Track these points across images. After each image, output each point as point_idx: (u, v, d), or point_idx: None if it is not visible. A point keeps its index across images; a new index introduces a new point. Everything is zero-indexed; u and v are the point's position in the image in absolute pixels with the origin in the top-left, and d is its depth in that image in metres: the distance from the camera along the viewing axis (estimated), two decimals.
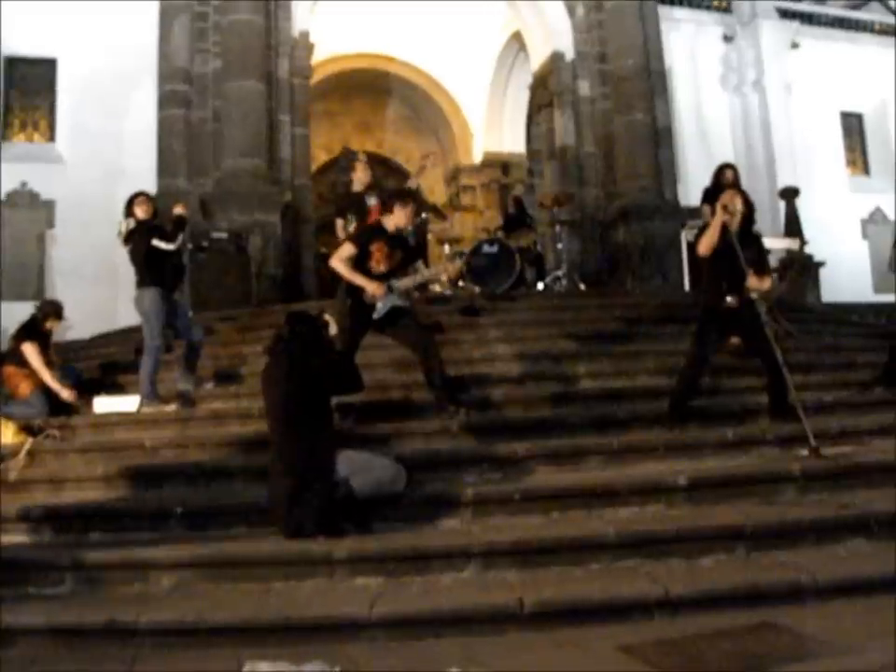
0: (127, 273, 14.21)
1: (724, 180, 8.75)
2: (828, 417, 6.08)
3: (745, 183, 15.87)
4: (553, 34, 13.00)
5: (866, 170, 16.41)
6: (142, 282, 7.16)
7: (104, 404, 6.95)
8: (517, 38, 14.40)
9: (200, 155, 11.41)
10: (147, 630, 4.03)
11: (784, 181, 14.99)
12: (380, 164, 15.88)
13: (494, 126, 15.10)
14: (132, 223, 7.23)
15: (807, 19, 15.78)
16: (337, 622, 4.00)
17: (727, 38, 15.85)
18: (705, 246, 5.96)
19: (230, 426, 6.53)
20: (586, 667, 3.50)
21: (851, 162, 16.35)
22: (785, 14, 15.71)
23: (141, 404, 6.83)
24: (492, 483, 5.30)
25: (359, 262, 6.15)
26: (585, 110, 12.42)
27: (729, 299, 5.85)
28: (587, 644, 3.74)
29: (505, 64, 14.80)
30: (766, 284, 5.93)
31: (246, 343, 8.15)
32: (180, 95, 11.49)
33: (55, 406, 7.16)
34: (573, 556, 4.47)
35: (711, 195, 8.74)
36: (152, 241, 7.06)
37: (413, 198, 6.76)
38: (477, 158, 15.44)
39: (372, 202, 8.15)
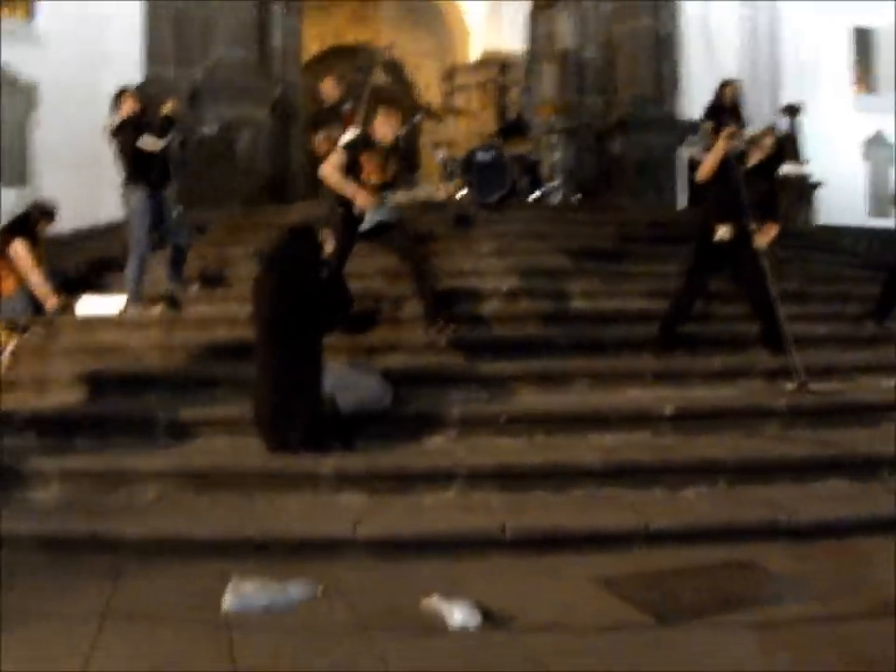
0: (111, 159, 13.98)
1: (725, 98, 8.54)
2: (818, 351, 6.07)
3: (749, 96, 15.59)
4: None
5: (873, 88, 16.03)
6: (128, 180, 6.96)
7: (88, 303, 6.84)
8: None
9: (189, 43, 10.95)
10: (131, 542, 4.07)
11: (788, 96, 14.65)
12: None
13: (493, 24, 14.56)
14: (118, 119, 6.98)
15: None
16: (321, 540, 4.04)
17: None
18: (703, 172, 5.87)
19: (216, 330, 6.44)
20: (565, 597, 3.55)
21: (858, 80, 15.96)
22: None
23: (126, 305, 6.73)
24: (478, 403, 5.30)
25: (351, 173, 5.99)
26: (589, 13, 11.95)
27: (722, 230, 5.77)
28: (566, 573, 3.80)
29: None
30: (772, 233, 5.82)
31: (234, 244, 8.00)
32: None
33: (39, 304, 7.04)
34: (557, 482, 4.51)
35: (713, 112, 8.56)
36: (139, 140, 6.82)
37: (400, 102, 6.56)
38: (474, 56, 14.97)
39: (346, 108, 8.09)
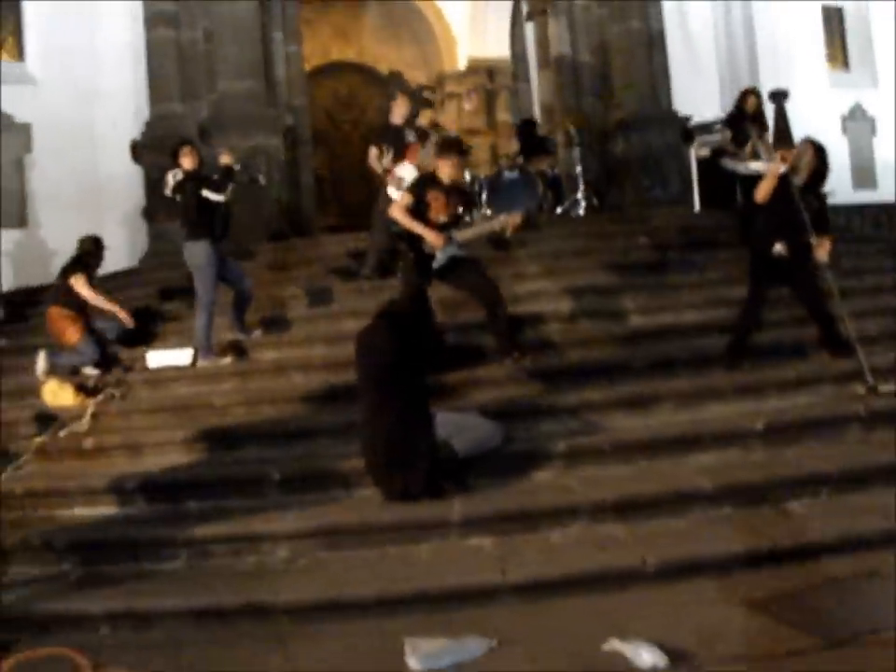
0: (111, 198, 13.92)
1: (747, 107, 8.76)
2: (874, 349, 6.30)
3: (728, 86, 15.89)
4: None
5: (846, 65, 16.41)
6: (192, 234, 7.01)
7: (156, 358, 6.93)
8: None
9: (193, 78, 11.02)
10: (284, 608, 4.19)
11: (766, 81, 14.96)
12: (359, 72, 15.53)
13: (478, 31, 14.69)
14: (179, 174, 7.05)
15: None
16: (472, 589, 4.21)
17: None
18: (762, 194, 6.10)
19: (292, 377, 6.60)
20: (726, 626, 3.74)
21: (832, 58, 16.33)
22: None
23: (196, 358, 6.83)
24: (576, 434, 5.47)
25: (419, 212, 6.17)
26: (580, 18, 12.15)
27: (778, 247, 6.02)
28: (714, 599, 4.00)
29: None
30: (828, 246, 6.08)
31: (280, 283, 8.10)
32: (168, 15, 10.99)
33: (104, 354, 7.14)
34: (673, 507, 4.72)
35: (733, 120, 8.79)
36: (202, 192, 6.90)
37: (458, 146, 6.71)
38: (461, 64, 15.11)
39: (411, 137, 8.23)
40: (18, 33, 13.53)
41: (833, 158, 15.91)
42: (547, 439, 5.38)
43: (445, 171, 6.26)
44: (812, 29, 15.92)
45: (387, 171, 8.03)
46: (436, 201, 6.17)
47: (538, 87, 13.18)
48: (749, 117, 8.67)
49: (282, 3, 11.29)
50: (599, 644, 3.60)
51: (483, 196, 9.75)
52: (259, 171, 9.30)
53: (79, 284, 7.34)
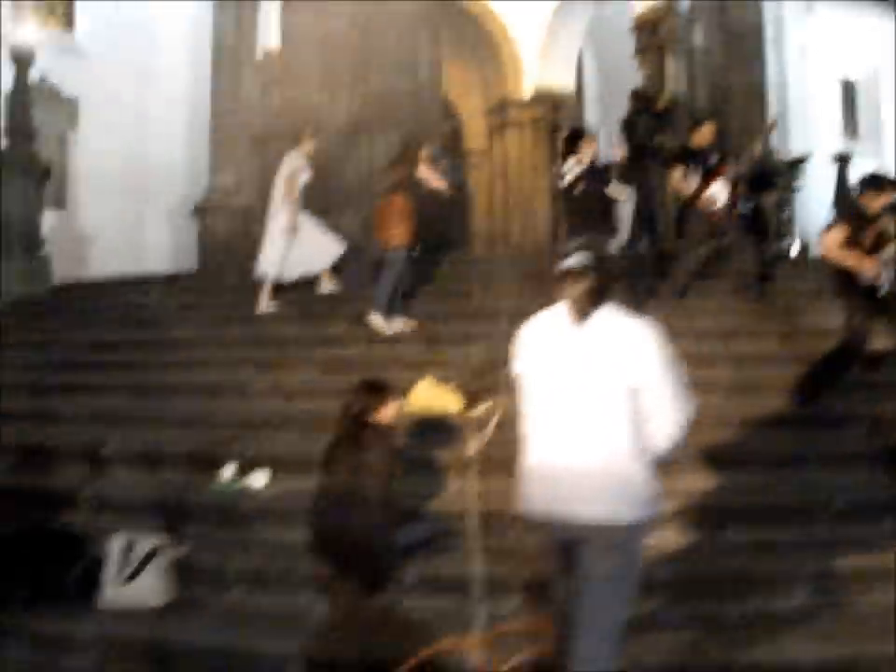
0: (158, 186, 12.65)
1: None
2: None
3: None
4: None
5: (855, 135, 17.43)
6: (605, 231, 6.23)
7: None
8: None
9: (338, 68, 10.13)
10: None
11: (796, 144, 15.65)
12: None
13: (548, 60, 14.34)
14: (574, 165, 6.27)
15: None
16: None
17: None
18: None
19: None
20: None
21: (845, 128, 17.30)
22: None
23: None
24: None
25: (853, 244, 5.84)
26: (700, 61, 12.19)
27: None
28: None
29: None
30: None
31: None
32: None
33: None
34: None
35: None
36: (606, 189, 6.17)
37: None
38: (526, 92, 14.65)
39: (714, 159, 7.84)
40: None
41: None
42: None
43: (876, 203, 5.98)
44: (832, 99, 16.83)
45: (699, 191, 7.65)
46: (868, 237, 5.89)
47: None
48: None
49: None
50: None
51: None
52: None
53: None
